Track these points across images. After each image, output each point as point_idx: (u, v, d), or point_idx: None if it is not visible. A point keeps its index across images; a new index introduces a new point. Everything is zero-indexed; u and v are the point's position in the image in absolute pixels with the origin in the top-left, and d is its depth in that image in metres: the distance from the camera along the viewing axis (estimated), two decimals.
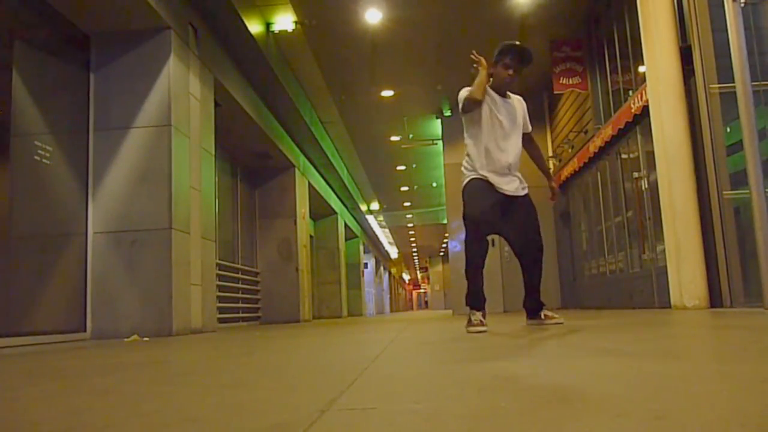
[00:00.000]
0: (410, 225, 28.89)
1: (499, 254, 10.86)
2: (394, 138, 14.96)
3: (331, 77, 11.24)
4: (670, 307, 6.34)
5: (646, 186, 7.84)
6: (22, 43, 5.79)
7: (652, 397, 1.14)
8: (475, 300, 3.79)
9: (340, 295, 18.25)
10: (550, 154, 12.13)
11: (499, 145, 3.89)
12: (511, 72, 3.89)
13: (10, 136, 5.59)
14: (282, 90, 9.80)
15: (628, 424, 0.93)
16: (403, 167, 17.84)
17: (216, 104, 7.84)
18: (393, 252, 38.18)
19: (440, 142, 13.63)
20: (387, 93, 12.20)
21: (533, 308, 4.10)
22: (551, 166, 12.07)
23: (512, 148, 3.92)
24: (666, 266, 6.46)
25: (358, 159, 16.76)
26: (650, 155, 7.09)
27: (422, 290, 69.77)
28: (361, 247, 24.58)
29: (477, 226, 3.75)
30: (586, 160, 9.92)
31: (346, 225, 19.97)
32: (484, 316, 3.83)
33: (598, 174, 9.89)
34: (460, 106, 3.91)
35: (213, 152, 7.64)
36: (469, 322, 3.73)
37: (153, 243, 6.06)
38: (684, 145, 6.13)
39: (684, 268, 6.02)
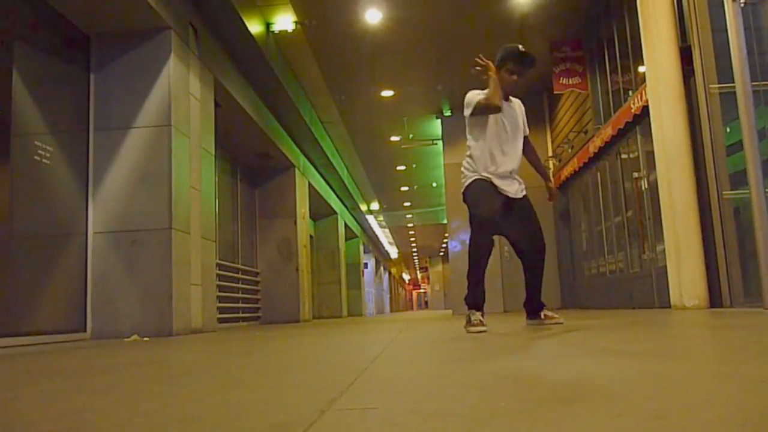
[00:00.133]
0: (410, 225, 28.89)
1: (499, 254, 10.86)
2: (394, 138, 14.96)
3: (331, 77, 11.24)
4: (670, 307, 6.34)
5: (646, 186, 7.84)
6: (22, 43, 5.79)
7: (652, 397, 1.14)
8: (476, 300, 3.80)
9: (340, 295, 18.25)
10: (550, 154, 12.13)
11: (503, 149, 3.92)
12: (515, 77, 3.92)
13: (10, 136, 5.59)
14: (282, 90, 9.80)
15: (628, 424, 0.93)
16: (403, 167, 17.84)
17: (216, 104, 7.84)
18: (393, 252, 38.18)
19: (440, 142, 13.63)
20: (387, 93, 12.20)
21: (534, 308, 4.11)
22: (551, 166, 12.07)
23: (515, 153, 3.97)
24: (666, 266, 6.46)
25: (358, 159, 16.76)
26: (650, 155, 7.09)
27: (422, 290, 69.77)
28: (361, 247, 24.58)
29: (485, 225, 3.77)
30: (586, 160, 9.92)
31: (346, 225, 19.97)
32: (482, 316, 3.83)
33: (598, 174, 9.90)
34: (470, 109, 3.89)
35: (213, 152, 7.64)
36: (469, 322, 3.73)
37: (153, 243, 6.06)
38: (684, 145, 6.13)
39: (684, 268, 6.03)
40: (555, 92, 10.29)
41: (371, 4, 8.82)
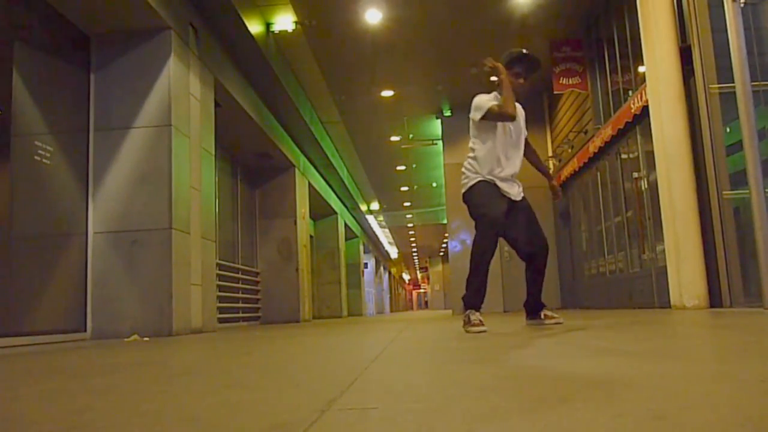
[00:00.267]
0: (410, 225, 28.90)
1: (499, 254, 10.86)
2: (394, 138, 14.96)
3: (331, 77, 11.24)
4: (669, 307, 6.34)
5: (646, 186, 7.85)
6: (22, 43, 5.79)
7: (652, 397, 1.14)
8: (477, 300, 3.81)
9: (340, 295, 18.25)
10: (550, 154, 12.13)
11: (507, 153, 3.96)
12: (521, 80, 3.95)
13: (10, 136, 5.59)
14: (282, 90, 9.80)
15: (628, 424, 0.93)
16: (403, 167, 17.85)
17: (216, 104, 7.84)
18: (393, 252, 38.18)
19: (440, 142, 13.63)
20: (387, 93, 12.20)
21: (534, 308, 4.12)
22: (551, 166, 12.07)
23: (518, 158, 4.02)
24: (666, 266, 6.46)
25: (358, 159, 16.77)
26: (650, 155, 7.09)
27: (422, 290, 69.78)
28: (361, 247, 24.58)
29: (493, 226, 3.80)
30: (586, 160, 9.92)
31: (346, 225, 19.97)
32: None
33: (598, 174, 9.90)
34: (481, 113, 3.89)
35: (213, 152, 7.64)
36: (469, 322, 3.73)
37: (153, 243, 6.06)
38: (684, 145, 6.13)
39: (684, 268, 6.03)
40: (555, 92, 10.30)
41: (371, 4, 8.82)
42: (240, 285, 10.94)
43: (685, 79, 6.20)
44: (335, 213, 18.16)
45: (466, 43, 10.00)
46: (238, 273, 10.91)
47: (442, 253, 41.51)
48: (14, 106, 5.59)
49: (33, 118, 5.83)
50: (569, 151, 11.01)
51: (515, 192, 3.98)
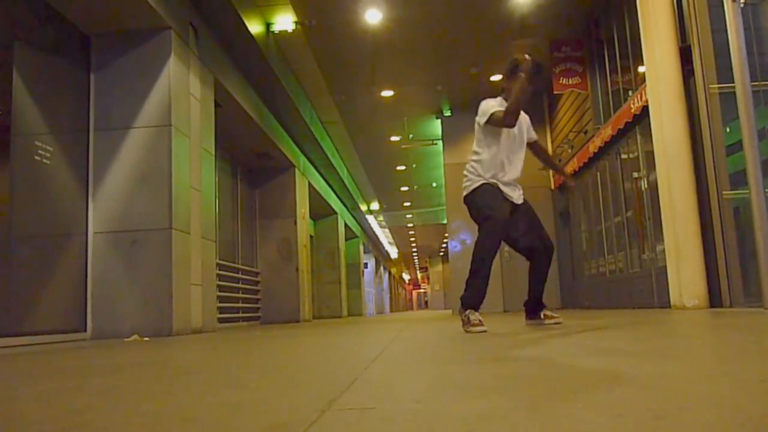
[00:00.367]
0: (410, 225, 28.90)
1: (499, 254, 10.85)
2: (394, 138, 14.96)
3: (331, 77, 11.24)
4: (669, 307, 6.34)
5: (646, 186, 7.85)
6: (22, 43, 5.78)
7: (652, 397, 1.14)
8: (477, 300, 3.80)
9: (340, 295, 18.24)
10: (550, 154, 12.13)
11: (511, 158, 4.01)
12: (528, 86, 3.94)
13: (10, 136, 5.59)
14: (282, 90, 9.80)
15: (628, 423, 0.93)
16: (403, 167, 17.85)
17: (216, 104, 7.84)
18: (393, 252, 38.18)
19: (440, 142, 13.63)
20: (387, 93, 12.20)
21: (534, 308, 4.14)
22: None
23: (519, 163, 4.06)
24: (666, 266, 6.46)
25: (358, 159, 16.77)
26: (650, 155, 7.09)
27: (422, 290, 69.78)
28: (361, 247, 24.58)
29: (498, 228, 3.83)
30: (586, 160, 9.93)
31: (346, 225, 19.97)
32: None
33: (598, 174, 9.90)
34: (485, 118, 3.91)
35: (213, 152, 7.64)
36: (469, 322, 3.72)
37: (153, 243, 6.06)
38: (684, 145, 6.13)
39: (684, 268, 6.03)
40: (555, 92, 10.30)
41: (371, 4, 8.83)
42: (240, 285, 10.94)
43: (685, 79, 6.20)
44: (335, 213, 18.16)
45: (466, 43, 10.00)
46: (238, 273, 10.91)
47: (442, 253, 41.52)
48: (14, 106, 5.59)
49: (33, 118, 5.83)
50: (569, 151, 11.01)
51: (516, 195, 4.03)
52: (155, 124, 6.27)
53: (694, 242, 6.00)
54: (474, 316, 3.73)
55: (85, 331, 5.94)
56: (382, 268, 38.94)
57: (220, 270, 9.14)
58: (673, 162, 6.16)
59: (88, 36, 6.37)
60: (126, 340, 5.45)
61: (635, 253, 8.54)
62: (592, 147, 9.40)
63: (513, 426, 0.96)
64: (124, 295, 5.99)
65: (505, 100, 3.98)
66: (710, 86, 6.02)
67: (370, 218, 24.80)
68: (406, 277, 62.23)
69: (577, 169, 10.48)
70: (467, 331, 3.68)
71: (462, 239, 12.49)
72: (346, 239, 20.36)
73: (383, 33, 9.55)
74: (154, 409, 1.34)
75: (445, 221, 16.77)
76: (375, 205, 23.43)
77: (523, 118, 4.13)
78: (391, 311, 43.50)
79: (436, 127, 13.72)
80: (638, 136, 8.04)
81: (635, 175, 8.14)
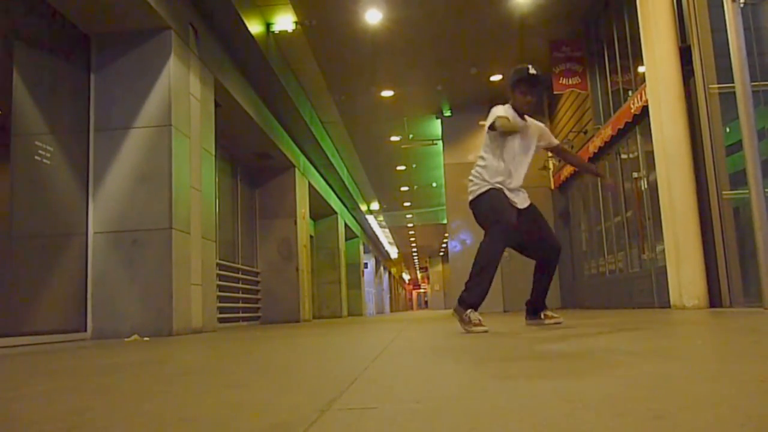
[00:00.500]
0: (410, 225, 28.90)
1: None
2: (394, 138, 14.97)
3: (331, 77, 11.24)
4: (669, 307, 6.34)
5: (646, 186, 7.85)
6: (22, 43, 5.79)
7: (652, 397, 1.14)
8: (479, 300, 3.80)
9: (340, 295, 18.24)
10: (550, 154, 12.13)
11: (516, 165, 4.02)
12: (528, 98, 4.02)
13: (10, 136, 5.59)
14: (282, 90, 9.80)
15: (628, 423, 0.93)
16: (403, 167, 17.85)
17: (216, 104, 7.84)
18: (393, 252, 38.18)
19: (440, 142, 13.63)
20: (387, 93, 12.20)
21: (535, 308, 4.14)
22: (551, 166, 12.08)
23: (524, 170, 4.07)
24: (665, 266, 6.46)
25: (358, 159, 16.77)
26: (650, 155, 7.09)
27: (422, 290, 69.78)
28: (361, 247, 24.58)
29: (506, 233, 3.84)
30: (586, 161, 9.92)
31: (346, 225, 19.97)
32: None
33: (588, 173, 9.89)
34: (493, 122, 3.91)
35: (213, 152, 7.64)
36: (470, 321, 3.72)
37: (153, 243, 6.06)
38: (683, 145, 6.13)
39: (683, 268, 6.03)
40: (555, 92, 10.30)
41: (371, 4, 8.83)
42: (240, 285, 10.94)
43: (684, 80, 6.20)
44: (335, 213, 18.16)
45: (466, 43, 10.00)
46: (238, 273, 10.92)
47: (442, 253, 41.51)
48: (14, 106, 5.59)
49: (33, 118, 5.83)
50: (565, 146, 11.01)
51: (521, 200, 4.05)
52: (155, 124, 6.27)
53: (694, 242, 6.00)
54: (474, 316, 3.72)
55: (85, 331, 5.94)
56: (382, 268, 38.94)
57: (220, 270, 9.13)
58: (673, 162, 6.16)
59: (88, 36, 6.37)
60: (126, 340, 5.45)
61: (635, 253, 8.54)
62: (592, 147, 9.40)
63: (513, 426, 0.96)
64: (124, 295, 5.99)
65: (513, 107, 4.02)
66: (710, 86, 6.02)
67: (370, 218, 24.80)
68: (406, 277, 62.23)
69: (577, 169, 10.48)
70: (468, 331, 3.68)
71: (462, 239, 12.49)
72: (346, 239, 20.36)
73: (383, 33, 9.55)
74: (154, 409, 1.34)
75: (445, 221, 16.77)
76: (375, 205, 23.43)
77: (535, 126, 4.17)
78: (391, 311, 43.50)
79: (436, 127, 13.72)
80: (638, 136, 8.04)
81: (635, 175, 8.14)
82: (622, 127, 8.11)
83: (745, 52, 5.13)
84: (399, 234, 32.03)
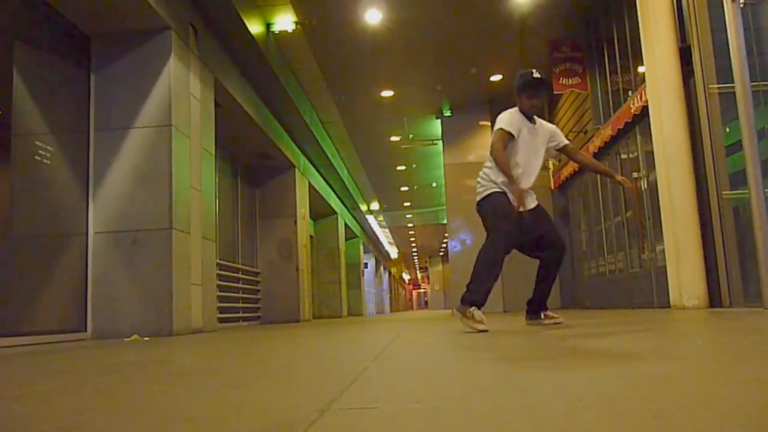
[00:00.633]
0: (410, 225, 28.90)
1: None
2: (394, 138, 14.96)
3: (331, 77, 11.24)
4: (669, 307, 6.34)
5: (646, 186, 7.85)
6: (22, 43, 5.79)
7: (652, 397, 1.14)
8: (481, 299, 3.83)
9: (340, 295, 18.24)
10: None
11: (526, 166, 4.05)
12: (534, 102, 4.08)
13: (10, 136, 5.59)
14: (282, 90, 9.80)
15: (628, 423, 0.93)
16: (403, 167, 17.85)
17: (216, 104, 7.84)
18: (393, 252, 38.18)
19: (440, 142, 13.63)
20: (387, 93, 12.20)
21: (536, 308, 4.14)
22: (551, 166, 12.08)
23: (534, 172, 4.10)
24: (665, 266, 6.46)
25: (358, 159, 16.77)
26: (650, 155, 7.09)
27: (422, 290, 69.79)
28: (361, 247, 24.58)
29: (505, 241, 3.90)
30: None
31: (346, 225, 19.97)
32: None
33: (598, 174, 9.89)
34: (499, 127, 4.01)
35: (213, 152, 7.64)
36: (472, 318, 3.72)
37: (153, 243, 6.06)
38: (683, 145, 6.13)
39: (683, 268, 6.03)
40: (555, 92, 10.29)
41: (371, 4, 8.83)
42: (240, 285, 10.94)
43: (684, 80, 6.20)
44: (335, 213, 18.16)
45: (466, 43, 10.00)
46: (238, 273, 10.92)
47: (442, 253, 41.51)
48: (14, 106, 5.59)
49: (33, 118, 5.84)
50: (573, 146, 11.00)
51: (527, 201, 4.06)
52: (155, 124, 6.27)
53: (693, 242, 6.00)
54: (477, 314, 3.74)
55: (86, 331, 5.94)
56: (382, 268, 38.94)
57: (220, 270, 9.14)
58: (672, 162, 6.16)
59: (88, 36, 6.37)
60: (126, 340, 5.45)
61: (635, 253, 8.54)
62: (592, 147, 9.40)
63: (513, 426, 0.96)
64: (124, 295, 6.00)
65: (521, 111, 4.07)
66: (710, 86, 6.02)
67: (370, 218, 24.80)
68: (406, 277, 62.23)
69: (577, 169, 10.49)
70: (469, 327, 3.68)
71: (462, 239, 12.49)
72: (346, 239, 20.36)
73: (383, 33, 9.54)
74: (155, 409, 1.34)
75: (445, 221, 16.76)
76: (375, 205, 23.43)
77: (545, 126, 4.21)
78: (391, 311, 43.50)
79: (436, 127, 13.72)
80: (638, 136, 8.04)
81: (635, 175, 8.14)
82: (622, 127, 8.11)
83: (745, 52, 5.13)
84: (399, 234, 32.03)
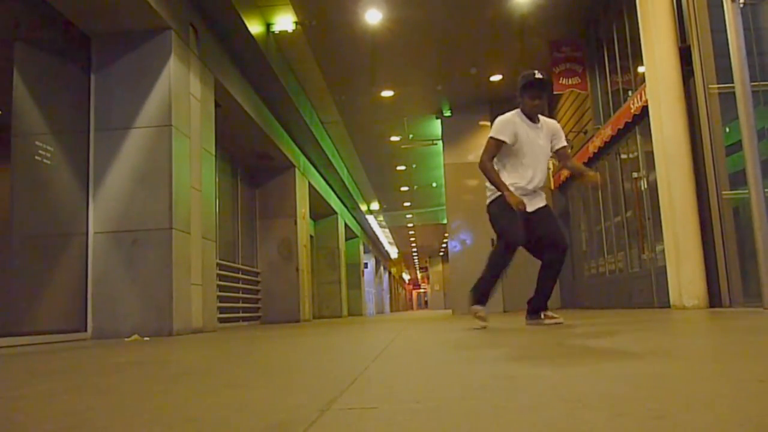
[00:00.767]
0: (410, 225, 28.89)
1: None
2: (394, 138, 14.96)
3: (331, 77, 11.24)
4: (669, 307, 6.34)
5: (646, 186, 7.85)
6: (22, 43, 5.79)
7: (652, 397, 1.14)
8: (484, 298, 4.04)
9: (340, 295, 18.24)
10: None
11: (533, 167, 4.11)
12: (536, 102, 4.13)
13: (10, 136, 5.59)
14: (282, 90, 9.80)
15: (628, 423, 0.93)
16: (403, 167, 17.85)
17: (216, 104, 7.84)
18: (393, 252, 38.17)
19: (440, 142, 13.63)
20: (387, 93, 12.20)
21: (536, 308, 4.16)
22: (550, 166, 12.07)
23: (541, 172, 4.16)
24: (665, 266, 6.46)
25: (358, 159, 16.77)
26: (649, 155, 7.09)
27: (422, 290, 69.77)
28: (361, 247, 24.58)
29: (510, 245, 4.01)
30: (586, 161, 9.91)
31: (346, 225, 19.97)
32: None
33: (598, 174, 9.89)
34: (489, 136, 4.10)
35: (213, 152, 7.64)
36: (476, 313, 4.01)
37: (153, 243, 6.06)
38: (683, 145, 6.13)
39: (683, 268, 6.03)
40: (555, 92, 10.29)
41: (371, 4, 8.82)
42: (240, 285, 10.94)
43: (684, 80, 6.20)
44: (335, 213, 18.16)
45: (466, 43, 10.00)
46: (238, 273, 10.92)
47: (442, 253, 41.51)
48: (14, 106, 5.59)
49: (33, 118, 5.84)
50: (568, 151, 11.00)
51: (535, 203, 4.13)
52: (155, 124, 6.27)
53: (693, 242, 6.00)
54: (481, 313, 3.99)
55: (86, 330, 5.94)
56: (382, 268, 38.93)
57: (220, 270, 9.14)
58: (672, 162, 6.16)
59: (88, 36, 6.37)
60: (126, 340, 5.45)
61: (635, 253, 8.54)
62: (592, 147, 9.40)
63: (513, 426, 0.96)
64: (124, 295, 6.00)
65: (523, 112, 4.12)
66: (710, 86, 6.02)
67: (370, 218, 24.80)
68: (406, 277, 62.22)
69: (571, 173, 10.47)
70: (472, 312, 3.98)
71: (462, 239, 12.48)
72: (346, 239, 20.36)
73: (383, 33, 9.54)
74: (155, 409, 1.34)
75: (445, 221, 16.76)
76: (375, 205, 23.43)
77: (549, 126, 4.24)
78: (391, 311, 43.50)
79: (436, 127, 13.72)
80: (638, 136, 8.04)
81: (635, 175, 8.14)
82: (621, 127, 8.10)
83: (745, 52, 5.13)
84: (399, 234, 32.03)
